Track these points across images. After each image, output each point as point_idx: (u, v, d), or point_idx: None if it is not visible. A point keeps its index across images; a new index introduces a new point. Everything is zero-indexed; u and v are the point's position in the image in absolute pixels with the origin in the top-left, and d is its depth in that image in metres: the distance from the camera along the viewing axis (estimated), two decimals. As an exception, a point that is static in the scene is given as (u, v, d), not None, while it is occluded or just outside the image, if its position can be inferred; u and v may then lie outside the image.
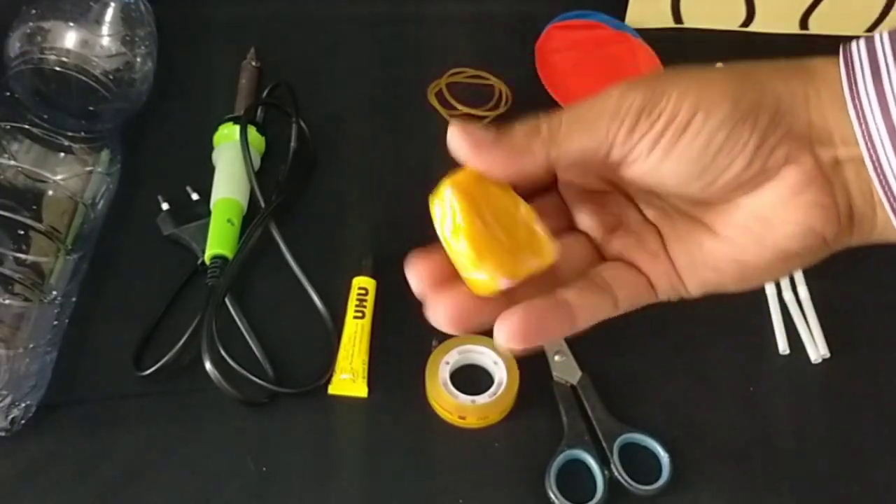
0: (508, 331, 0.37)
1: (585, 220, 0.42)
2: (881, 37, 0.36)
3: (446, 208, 0.37)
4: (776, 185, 0.37)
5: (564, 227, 0.42)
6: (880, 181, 0.37)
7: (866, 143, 0.36)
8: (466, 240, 0.37)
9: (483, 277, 0.37)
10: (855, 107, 0.36)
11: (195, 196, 0.71)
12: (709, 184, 0.38)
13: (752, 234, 0.39)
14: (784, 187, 0.37)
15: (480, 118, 0.75)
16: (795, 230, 0.38)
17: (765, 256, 0.39)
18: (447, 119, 0.76)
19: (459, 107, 0.76)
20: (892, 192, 0.36)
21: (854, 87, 0.37)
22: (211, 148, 0.73)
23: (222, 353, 0.62)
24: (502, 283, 0.37)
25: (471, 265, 0.37)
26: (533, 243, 0.38)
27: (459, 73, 0.78)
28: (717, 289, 0.42)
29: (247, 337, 0.64)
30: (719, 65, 0.39)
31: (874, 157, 0.36)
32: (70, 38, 0.68)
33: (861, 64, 0.36)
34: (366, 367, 0.63)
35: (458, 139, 0.38)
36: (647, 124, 0.37)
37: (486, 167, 0.38)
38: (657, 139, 0.37)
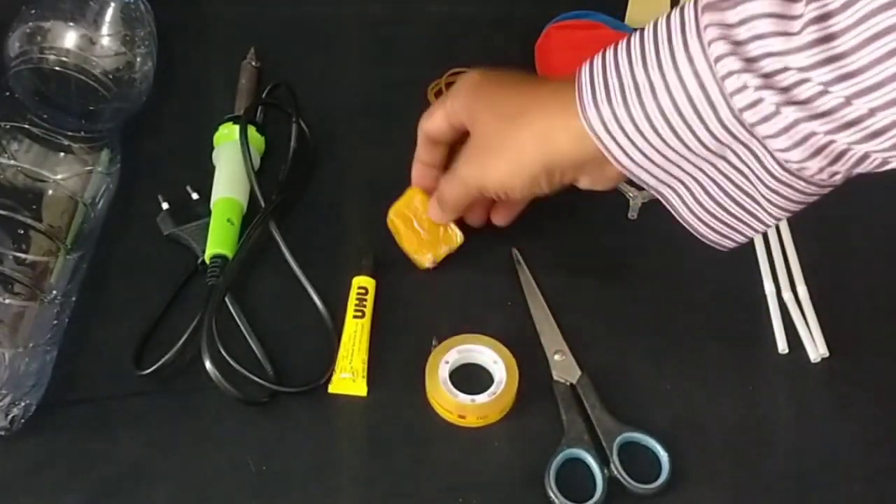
0: None
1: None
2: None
3: (392, 226, 0.68)
4: (579, 183, 0.61)
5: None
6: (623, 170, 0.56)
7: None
8: (403, 243, 0.68)
9: (419, 258, 0.67)
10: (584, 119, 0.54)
11: (195, 196, 0.71)
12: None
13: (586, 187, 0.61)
14: (584, 183, 0.60)
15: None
16: (603, 187, 0.61)
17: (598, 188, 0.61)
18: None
19: None
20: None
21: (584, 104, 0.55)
22: (211, 148, 0.73)
23: (222, 352, 0.62)
24: (430, 260, 0.67)
25: (411, 252, 0.68)
26: (446, 236, 0.67)
27: (460, 73, 0.78)
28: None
29: (247, 336, 0.64)
30: None
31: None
32: (70, 38, 0.68)
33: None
34: (366, 366, 0.63)
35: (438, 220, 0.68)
36: (486, 194, 0.64)
37: (453, 217, 0.67)
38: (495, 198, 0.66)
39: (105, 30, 0.70)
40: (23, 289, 0.61)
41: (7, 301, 0.60)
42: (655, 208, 0.71)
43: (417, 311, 0.67)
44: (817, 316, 0.66)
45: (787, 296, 0.67)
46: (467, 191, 0.62)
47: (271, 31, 0.82)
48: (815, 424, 0.62)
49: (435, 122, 0.64)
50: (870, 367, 0.64)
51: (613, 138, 0.53)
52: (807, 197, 0.52)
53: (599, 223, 0.72)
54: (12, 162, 0.64)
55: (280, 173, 0.72)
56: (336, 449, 0.61)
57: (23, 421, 0.59)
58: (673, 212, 0.57)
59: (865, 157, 0.47)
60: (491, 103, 0.61)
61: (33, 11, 0.69)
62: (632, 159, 0.53)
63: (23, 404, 0.59)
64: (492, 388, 0.62)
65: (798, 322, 0.66)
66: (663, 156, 0.52)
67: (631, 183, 0.71)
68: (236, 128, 0.71)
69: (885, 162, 0.47)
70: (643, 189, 0.71)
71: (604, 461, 0.59)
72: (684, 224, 0.57)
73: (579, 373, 0.63)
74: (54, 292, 0.62)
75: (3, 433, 0.59)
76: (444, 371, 0.62)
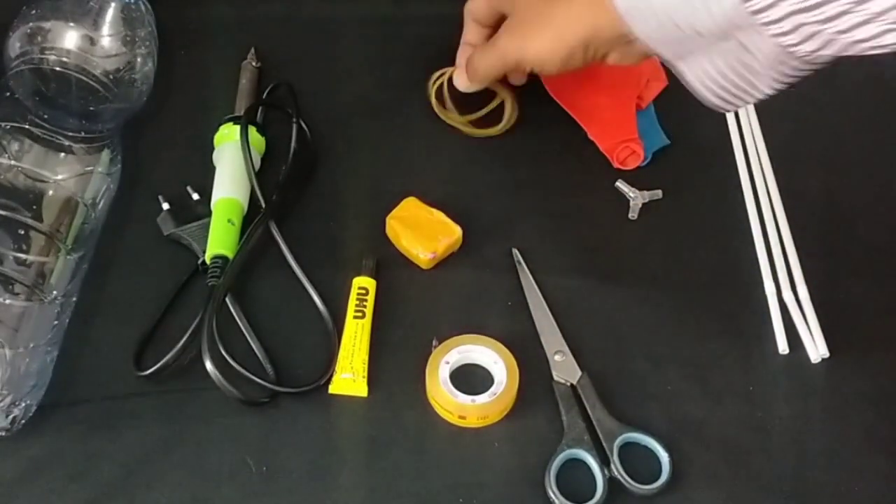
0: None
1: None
2: None
3: (391, 230, 0.69)
4: (609, 58, 0.65)
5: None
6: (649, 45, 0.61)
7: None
8: (402, 243, 0.68)
9: (419, 255, 0.68)
10: None
11: (196, 196, 0.71)
12: None
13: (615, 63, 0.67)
14: (613, 58, 0.65)
15: (485, 125, 0.76)
16: (631, 62, 0.66)
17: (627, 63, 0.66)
18: (444, 119, 0.76)
19: (458, 117, 0.76)
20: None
21: None
22: (211, 148, 0.73)
23: (222, 352, 0.62)
24: (427, 255, 0.67)
25: (411, 250, 0.68)
26: (444, 229, 0.68)
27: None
28: None
29: (247, 337, 0.65)
30: None
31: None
32: (70, 38, 0.68)
33: None
34: (366, 366, 0.63)
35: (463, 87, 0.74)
36: (521, 69, 0.71)
37: (481, 85, 0.73)
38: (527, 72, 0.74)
39: (105, 30, 0.70)
40: (23, 289, 0.61)
41: (7, 301, 0.60)
42: (655, 208, 0.71)
43: (417, 311, 0.67)
44: (817, 316, 0.66)
45: (787, 296, 0.67)
46: (504, 62, 0.68)
47: (271, 31, 0.82)
48: (815, 424, 0.62)
49: (476, 4, 0.71)
50: (870, 367, 0.64)
51: (641, 17, 0.58)
52: (800, 72, 0.58)
53: (599, 223, 0.72)
54: (12, 162, 0.64)
55: (280, 173, 0.72)
56: (336, 449, 0.61)
57: (23, 421, 0.59)
58: (683, 80, 0.61)
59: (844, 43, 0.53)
60: None
61: (33, 11, 0.69)
62: (652, 34, 0.59)
63: (23, 404, 0.59)
64: (492, 389, 0.62)
65: (798, 322, 0.66)
66: (680, 31, 0.57)
67: (630, 182, 0.72)
68: (237, 128, 0.71)
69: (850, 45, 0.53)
70: (643, 189, 0.71)
71: (604, 461, 0.59)
72: (691, 90, 0.61)
73: (579, 373, 0.63)
74: (54, 292, 0.62)
75: (3, 433, 0.59)
76: (444, 371, 0.62)
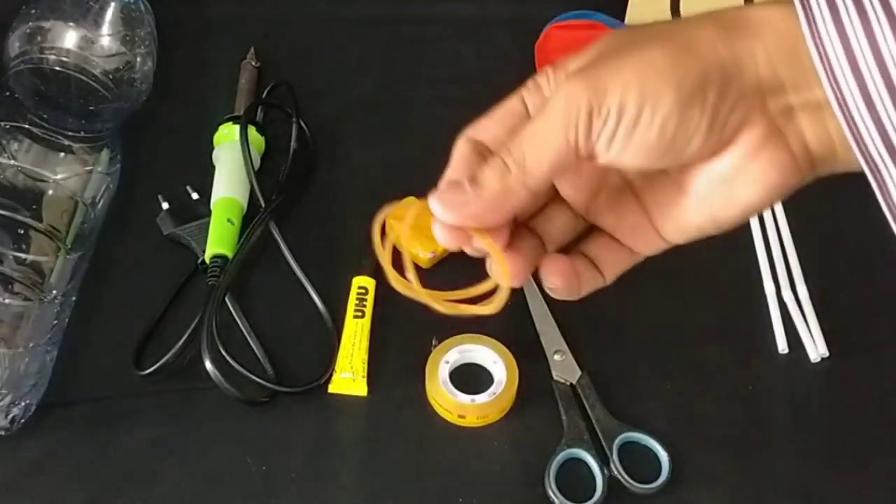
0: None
1: (567, 189, 0.43)
2: None
3: (391, 231, 0.48)
4: (734, 151, 0.38)
5: (550, 196, 0.44)
6: (845, 117, 0.37)
7: (830, 81, 0.36)
8: (402, 243, 0.47)
9: (417, 253, 0.66)
10: (816, 45, 0.36)
11: (195, 196, 0.71)
12: (672, 161, 0.39)
13: (719, 195, 0.40)
14: (740, 152, 0.38)
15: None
16: (757, 188, 0.39)
17: (735, 211, 0.40)
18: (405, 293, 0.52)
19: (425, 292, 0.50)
20: (856, 128, 0.37)
21: (814, 26, 0.36)
22: (211, 148, 0.73)
23: (222, 352, 0.62)
24: (427, 255, 0.66)
25: (411, 250, 0.49)
26: None
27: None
28: (697, 236, 0.44)
29: (247, 336, 0.65)
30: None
31: (839, 95, 0.36)
32: (70, 38, 0.68)
33: (818, 3, 0.36)
34: (366, 366, 0.63)
35: (442, 213, 0.41)
36: (600, 124, 0.37)
37: (482, 223, 0.41)
38: (612, 137, 0.37)
39: (105, 30, 0.70)
40: (23, 289, 0.61)
41: (7, 301, 0.60)
42: (655, 208, 0.71)
43: (417, 311, 0.66)
44: (817, 316, 0.66)
45: (787, 296, 0.67)
46: (564, 121, 0.38)
47: (271, 31, 0.82)
48: (815, 424, 0.62)
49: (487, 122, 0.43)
50: (870, 367, 0.64)
51: (855, 67, 0.35)
52: None
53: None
54: (12, 162, 0.64)
55: (280, 173, 0.72)
56: (336, 448, 0.61)
57: (23, 421, 0.59)
58: (884, 200, 0.42)
59: None
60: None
61: (33, 11, 0.69)
62: (871, 105, 0.36)
63: (23, 404, 0.59)
64: (492, 388, 0.62)
65: (798, 322, 0.66)
66: None
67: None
68: (236, 128, 0.71)
69: None
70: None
71: (604, 461, 0.59)
72: (891, 217, 0.42)
73: (579, 373, 0.63)
74: (54, 292, 0.62)
75: (3, 433, 0.59)
76: (444, 371, 0.62)
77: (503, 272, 0.43)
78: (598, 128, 0.37)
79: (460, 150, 0.43)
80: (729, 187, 0.39)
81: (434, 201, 0.41)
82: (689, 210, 0.41)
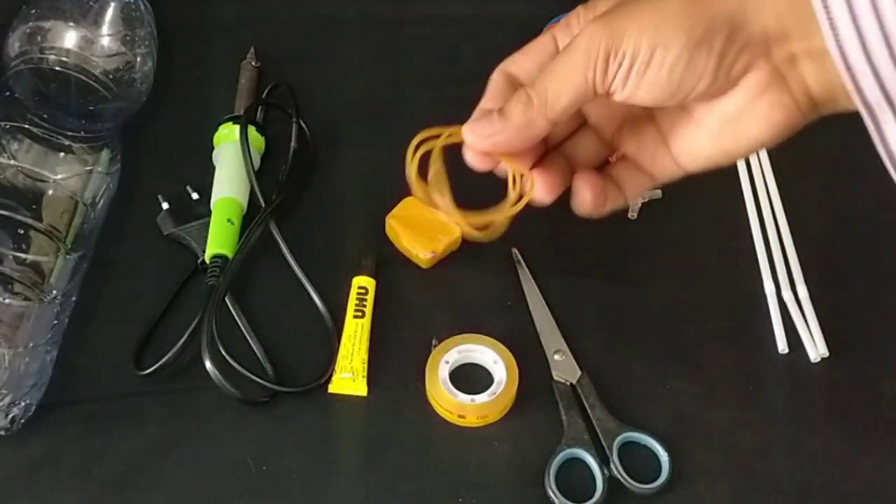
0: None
1: (594, 117, 0.50)
2: None
3: (391, 230, 0.66)
4: (739, 92, 0.43)
5: (580, 123, 0.51)
6: (845, 64, 0.39)
7: (831, 31, 0.39)
8: (402, 242, 0.66)
9: (418, 254, 0.67)
10: None
11: (195, 196, 0.71)
12: (682, 99, 0.43)
13: (727, 131, 0.45)
14: (745, 93, 0.42)
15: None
16: (762, 126, 0.44)
17: (742, 145, 0.45)
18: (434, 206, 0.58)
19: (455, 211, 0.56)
20: (854, 75, 0.40)
21: None
22: (211, 148, 0.73)
23: (222, 352, 0.62)
24: (427, 255, 0.66)
25: (411, 249, 0.67)
26: (444, 229, 0.66)
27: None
28: (709, 166, 0.49)
29: (247, 336, 0.65)
30: None
31: (839, 44, 0.39)
32: (70, 38, 0.68)
33: None
34: (366, 366, 0.63)
35: (473, 140, 0.47)
36: (615, 66, 0.42)
37: (508, 150, 0.47)
38: (626, 76, 0.42)
39: (105, 30, 0.70)
40: (23, 289, 0.61)
41: (7, 301, 0.60)
42: (655, 208, 0.71)
43: (417, 311, 0.67)
44: (817, 316, 0.66)
45: (787, 296, 0.67)
46: (584, 61, 0.42)
47: (271, 31, 0.82)
48: (815, 424, 0.62)
49: (521, 58, 0.48)
50: (870, 367, 0.64)
51: (852, 17, 0.38)
52: None
53: (599, 223, 0.71)
54: (12, 162, 0.64)
55: (280, 173, 0.72)
56: (336, 449, 0.61)
57: (23, 421, 0.59)
58: (881, 143, 0.44)
59: None
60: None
61: (33, 11, 0.69)
62: (855, 46, 0.38)
63: (23, 404, 0.59)
64: (492, 388, 0.62)
65: (798, 322, 0.66)
66: None
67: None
68: (236, 128, 0.71)
69: None
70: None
71: (604, 461, 0.59)
72: (887, 158, 0.45)
73: (579, 373, 0.63)
74: (54, 292, 0.62)
75: (3, 433, 0.59)
76: (444, 371, 0.62)
77: (530, 189, 0.50)
78: (613, 69, 0.42)
79: (494, 81, 0.49)
80: (736, 124, 0.44)
81: (466, 130, 0.47)
82: (701, 142, 0.46)
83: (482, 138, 0.47)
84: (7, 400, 0.58)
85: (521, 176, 0.50)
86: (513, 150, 0.47)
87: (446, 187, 0.52)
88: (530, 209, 0.71)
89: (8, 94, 0.68)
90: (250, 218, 0.69)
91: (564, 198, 0.72)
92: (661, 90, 0.43)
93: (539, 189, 0.50)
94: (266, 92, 0.77)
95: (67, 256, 0.64)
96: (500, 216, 0.52)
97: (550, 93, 0.44)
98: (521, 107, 0.45)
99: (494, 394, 0.61)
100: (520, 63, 0.48)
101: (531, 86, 0.45)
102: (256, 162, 0.72)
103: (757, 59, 0.41)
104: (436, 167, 0.52)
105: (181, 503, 0.58)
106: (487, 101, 0.49)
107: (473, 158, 0.49)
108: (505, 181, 0.52)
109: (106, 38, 0.70)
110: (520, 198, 0.51)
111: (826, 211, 0.72)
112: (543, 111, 0.44)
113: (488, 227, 0.54)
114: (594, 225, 0.71)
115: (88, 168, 0.68)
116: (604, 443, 0.60)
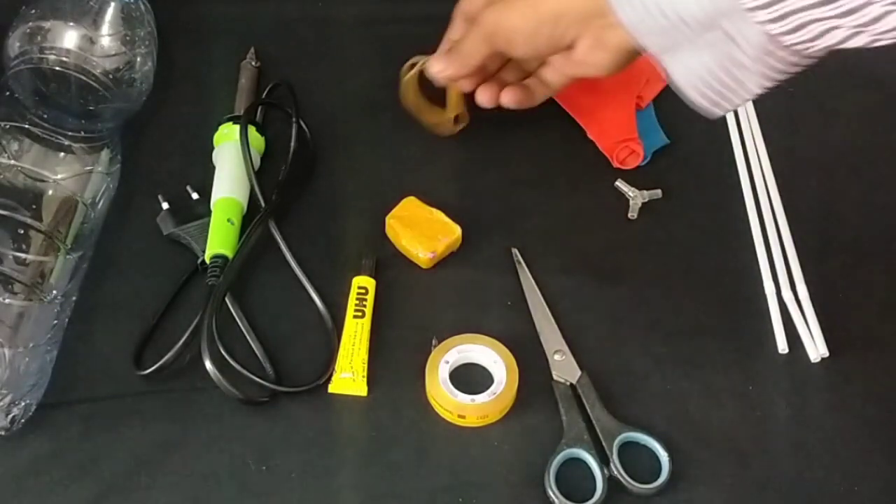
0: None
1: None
2: None
3: (391, 230, 0.69)
4: (578, 49, 0.62)
5: (503, 62, 0.71)
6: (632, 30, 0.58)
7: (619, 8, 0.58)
8: (402, 242, 0.68)
9: (418, 254, 0.67)
10: None
11: (195, 195, 0.71)
12: (547, 53, 0.66)
13: (580, 66, 0.64)
14: (583, 48, 0.62)
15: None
16: (602, 63, 0.63)
17: (592, 70, 0.64)
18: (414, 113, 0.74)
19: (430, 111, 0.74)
20: (639, 37, 0.58)
21: None
22: (211, 148, 0.73)
23: (222, 352, 0.62)
24: (427, 255, 0.67)
25: (411, 249, 0.68)
26: (444, 229, 0.68)
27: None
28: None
29: (247, 336, 0.65)
30: None
31: (625, 16, 0.57)
32: (70, 38, 0.68)
33: None
34: (366, 365, 0.63)
35: (437, 70, 0.68)
36: (502, 44, 0.65)
37: (456, 77, 0.69)
38: (508, 48, 0.65)
39: (105, 30, 0.70)
40: (23, 289, 0.61)
41: (7, 301, 0.60)
42: (655, 208, 0.71)
43: (417, 311, 0.67)
44: (817, 316, 0.66)
45: (787, 296, 0.67)
46: (482, 38, 0.65)
47: (271, 31, 0.82)
48: (815, 424, 0.62)
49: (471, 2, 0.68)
50: (870, 367, 0.64)
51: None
52: (788, 67, 0.56)
53: (599, 223, 0.72)
54: (12, 162, 0.64)
55: (280, 173, 0.72)
56: (336, 448, 0.61)
57: (23, 421, 0.59)
58: (669, 79, 0.59)
59: (836, 31, 0.52)
60: None
61: (33, 11, 0.69)
62: (635, 19, 0.56)
63: (23, 404, 0.59)
64: (492, 388, 0.62)
65: (798, 322, 0.66)
66: (666, 19, 0.55)
67: (630, 182, 0.71)
68: (236, 128, 0.71)
69: (852, 35, 0.52)
70: (643, 189, 0.71)
71: (604, 461, 0.59)
72: (677, 89, 0.59)
73: (579, 373, 0.63)
74: (54, 292, 0.62)
75: (3, 433, 0.59)
76: (444, 371, 0.62)
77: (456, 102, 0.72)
78: (500, 46, 0.65)
79: (455, 17, 0.70)
80: (582, 63, 0.63)
81: (432, 60, 0.69)
82: (567, 66, 0.66)
83: (443, 70, 0.68)
84: (7, 400, 0.58)
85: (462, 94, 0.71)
86: (462, 76, 0.68)
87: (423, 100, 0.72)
88: (531, 209, 0.71)
89: (8, 94, 0.68)
90: (250, 218, 0.69)
91: (564, 198, 0.72)
92: (528, 52, 0.65)
93: (481, 96, 0.70)
94: (266, 92, 0.77)
95: (67, 256, 0.64)
96: (447, 114, 0.72)
97: (468, 53, 0.67)
98: (455, 58, 0.68)
99: (494, 394, 0.61)
100: (472, 2, 0.68)
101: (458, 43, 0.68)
102: (256, 162, 0.72)
103: (580, 30, 0.61)
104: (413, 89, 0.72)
105: (181, 503, 0.58)
106: (450, 32, 0.71)
107: (439, 78, 0.69)
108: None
109: (106, 38, 0.70)
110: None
111: (826, 211, 0.72)
112: (467, 62, 0.67)
113: (441, 123, 0.73)
114: (594, 225, 0.72)
115: (88, 168, 0.68)
116: (604, 443, 0.60)
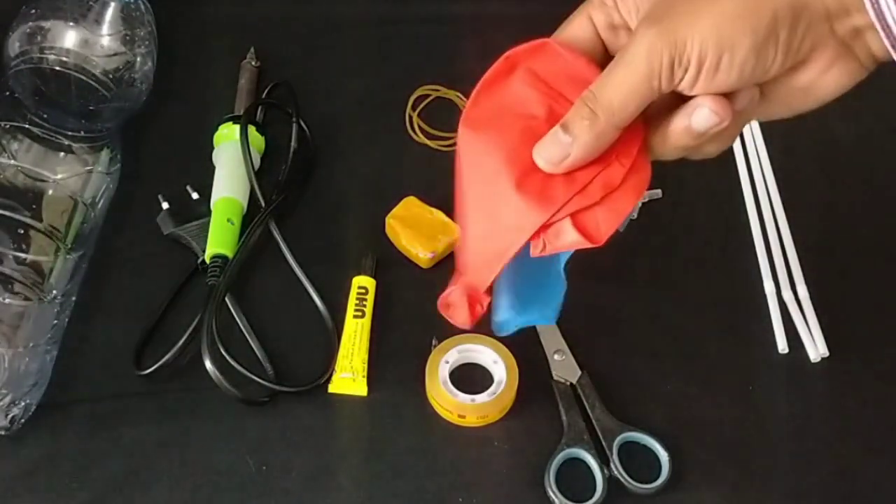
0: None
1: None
2: None
3: (391, 230, 0.68)
4: (809, 68, 0.44)
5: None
6: (886, 33, 0.41)
7: (872, 6, 0.41)
8: (402, 242, 0.68)
9: (419, 254, 0.67)
10: None
11: (195, 195, 0.71)
12: (754, 84, 0.44)
13: (798, 97, 0.45)
14: (816, 68, 0.44)
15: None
16: (830, 90, 0.45)
17: (810, 104, 0.46)
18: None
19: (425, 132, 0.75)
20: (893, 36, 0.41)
21: None
22: (211, 147, 0.73)
23: (222, 352, 0.62)
24: (427, 255, 0.67)
25: (411, 249, 0.67)
26: (444, 229, 0.67)
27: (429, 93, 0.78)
28: (776, 117, 0.49)
29: (247, 336, 0.65)
30: None
31: (880, 14, 0.41)
32: (70, 38, 0.68)
33: None
34: (366, 365, 0.63)
35: (550, 167, 0.45)
36: (681, 71, 0.42)
37: (581, 165, 0.45)
38: (694, 80, 0.42)
39: (105, 29, 0.70)
40: (23, 288, 0.61)
41: (7, 301, 0.60)
42: (655, 208, 0.71)
43: (417, 310, 0.67)
44: (817, 316, 0.66)
45: (787, 296, 0.67)
46: (648, 72, 0.42)
47: (271, 31, 0.82)
48: (815, 424, 0.62)
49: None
50: (870, 367, 0.64)
51: None
52: None
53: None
54: (12, 162, 0.64)
55: (280, 173, 0.72)
56: (336, 449, 0.61)
57: (23, 421, 0.59)
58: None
59: None
60: None
61: (33, 11, 0.69)
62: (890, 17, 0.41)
63: (23, 404, 0.59)
64: (492, 388, 0.62)
65: (798, 322, 0.66)
66: None
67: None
68: (236, 128, 0.71)
69: None
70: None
71: (604, 461, 0.59)
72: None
73: (579, 372, 0.63)
74: (54, 292, 0.62)
75: (3, 433, 0.59)
76: (444, 371, 0.62)
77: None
78: (679, 75, 0.42)
79: None
80: (805, 92, 0.45)
81: (538, 157, 0.45)
82: (772, 106, 0.46)
83: (557, 164, 0.45)
84: (7, 400, 0.58)
85: None
86: (589, 161, 0.46)
87: None
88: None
89: (8, 94, 0.68)
90: (250, 218, 0.69)
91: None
92: (731, 85, 0.43)
93: None
94: (266, 92, 0.77)
95: (67, 256, 0.64)
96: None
97: (616, 104, 0.43)
98: (586, 123, 0.44)
99: (494, 394, 0.61)
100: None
101: (591, 98, 0.44)
102: (256, 162, 0.72)
103: (822, 38, 0.42)
104: None
105: (181, 503, 0.58)
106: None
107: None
108: None
109: (106, 38, 0.70)
110: None
111: (826, 211, 0.72)
112: (612, 121, 0.44)
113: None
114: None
115: (88, 168, 0.68)
116: (604, 443, 0.60)
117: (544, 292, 0.51)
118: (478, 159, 0.48)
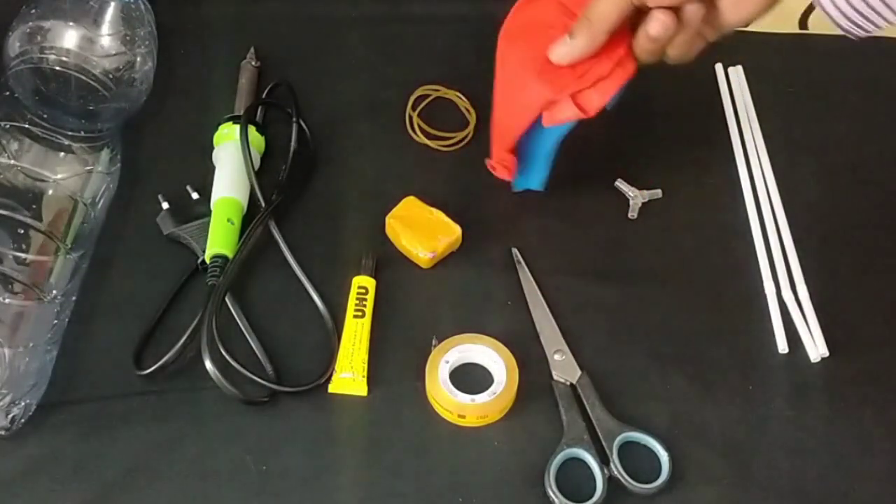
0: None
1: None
2: None
3: (391, 230, 0.69)
4: None
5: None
6: None
7: None
8: (402, 242, 0.68)
9: (418, 254, 0.67)
10: None
11: (195, 195, 0.71)
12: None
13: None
14: None
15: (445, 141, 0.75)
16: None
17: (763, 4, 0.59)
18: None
19: (425, 132, 0.75)
20: None
21: None
22: (211, 147, 0.73)
23: (222, 352, 0.62)
24: (427, 255, 0.67)
25: (411, 249, 0.67)
26: (444, 229, 0.68)
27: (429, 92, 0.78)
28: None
29: (247, 336, 0.65)
30: None
31: None
32: (70, 38, 0.68)
33: None
34: (366, 365, 0.63)
35: (560, 60, 0.61)
36: None
37: (583, 58, 0.61)
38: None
39: (105, 29, 0.70)
40: (23, 288, 0.61)
41: (7, 301, 0.60)
42: (655, 208, 0.71)
43: (417, 311, 0.67)
44: (817, 316, 0.66)
45: (787, 296, 0.67)
46: None
47: (271, 31, 0.82)
48: (815, 424, 0.62)
49: None
50: (870, 367, 0.64)
51: None
52: None
53: (599, 223, 0.72)
54: (12, 162, 0.64)
55: (280, 173, 0.72)
56: (336, 449, 0.61)
57: (23, 420, 0.59)
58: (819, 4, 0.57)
59: None
60: None
61: (33, 11, 0.69)
62: None
63: (23, 404, 0.59)
64: (492, 388, 0.62)
65: (798, 322, 0.66)
66: None
67: (630, 182, 0.72)
68: (236, 128, 0.71)
69: None
70: (643, 189, 0.71)
71: (604, 461, 0.59)
72: (825, 12, 0.57)
73: (579, 372, 0.63)
74: (54, 292, 0.62)
75: (3, 433, 0.59)
76: (444, 371, 0.62)
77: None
78: None
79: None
80: None
81: (552, 54, 0.61)
82: (726, 14, 0.60)
83: (563, 58, 0.61)
84: (7, 400, 0.58)
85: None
86: (587, 56, 0.61)
87: None
88: (531, 209, 0.71)
89: (8, 94, 0.68)
90: (250, 218, 0.69)
91: (566, 201, 0.72)
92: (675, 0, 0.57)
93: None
94: (266, 92, 0.77)
95: (67, 256, 0.64)
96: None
97: (604, 15, 0.59)
98: (584, 29, 0.60)
99: (494, 393, 0.61)
100: None
101: (588, 12, 0.59)
102: (256, 162, 0.72)
103: None
104: None
105: (181, 503, 0.58)
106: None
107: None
108: None
109: (106, 37, 0.70)
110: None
111: (826, 211, 0.72)
112: (602, 28, 0.59)
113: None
114: (594, 225, 0.72)
115: (88, 168, 0.68)
116: (604, 443, 0.60)
117: (540, 164, 0.67)
118: (510, 60, 0.64)
